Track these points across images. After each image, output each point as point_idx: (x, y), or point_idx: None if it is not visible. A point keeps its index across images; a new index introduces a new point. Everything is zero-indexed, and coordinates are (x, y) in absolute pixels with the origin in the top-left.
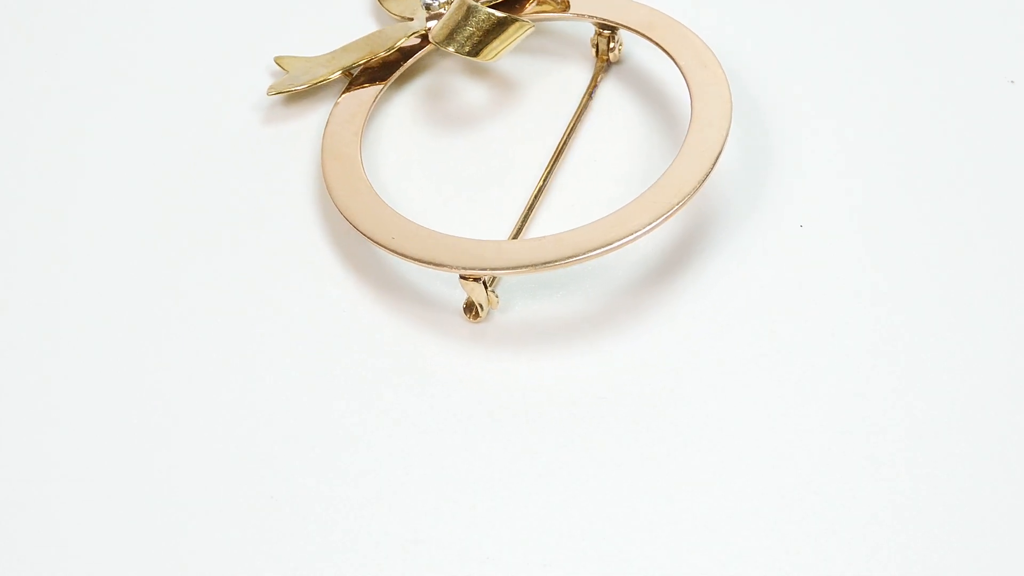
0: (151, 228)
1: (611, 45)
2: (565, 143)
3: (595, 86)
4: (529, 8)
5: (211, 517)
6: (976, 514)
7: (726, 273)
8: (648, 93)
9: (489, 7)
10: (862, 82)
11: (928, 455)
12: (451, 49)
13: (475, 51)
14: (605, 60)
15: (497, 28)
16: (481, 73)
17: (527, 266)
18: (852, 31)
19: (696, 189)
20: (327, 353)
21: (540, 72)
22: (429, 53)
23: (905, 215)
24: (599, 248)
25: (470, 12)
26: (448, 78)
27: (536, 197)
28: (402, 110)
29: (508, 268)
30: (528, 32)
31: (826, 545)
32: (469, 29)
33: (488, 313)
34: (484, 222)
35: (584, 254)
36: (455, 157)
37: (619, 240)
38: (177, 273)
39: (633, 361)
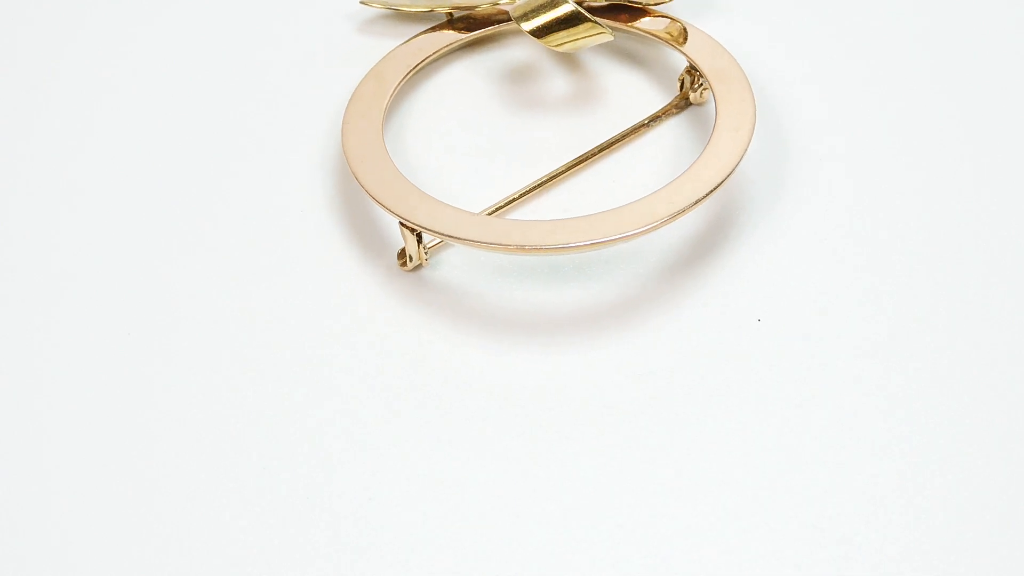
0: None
1: (695, 86)
2: (597, 153)
3: (660, 116)
4: (632, 23)
5: (192, 490)
6: (984, 517)
7: (735, 275)
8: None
9: (595, 7)
10: (882, 89)
11: (945, 460)
12: (522, 25)
13: (541, 34)
14: (684, 97)
15: (571, 21)
16: (559, 63)
17: (455, 238)
18: (872, 39)
19: (669, 218)
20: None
21: (619, 83)
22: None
23: (924, 220)
24: (551, 246)
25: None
26: (524, 58)
27: (536, 188)
28: (461, 72)
29: (440, 233)
30: (600, 38)
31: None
32: (546, 13)
33: (415, 267)
34: (473, 194)
35: (532, 247)
36: (482, 131)
37: (573, 244)
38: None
39: (640, 357)
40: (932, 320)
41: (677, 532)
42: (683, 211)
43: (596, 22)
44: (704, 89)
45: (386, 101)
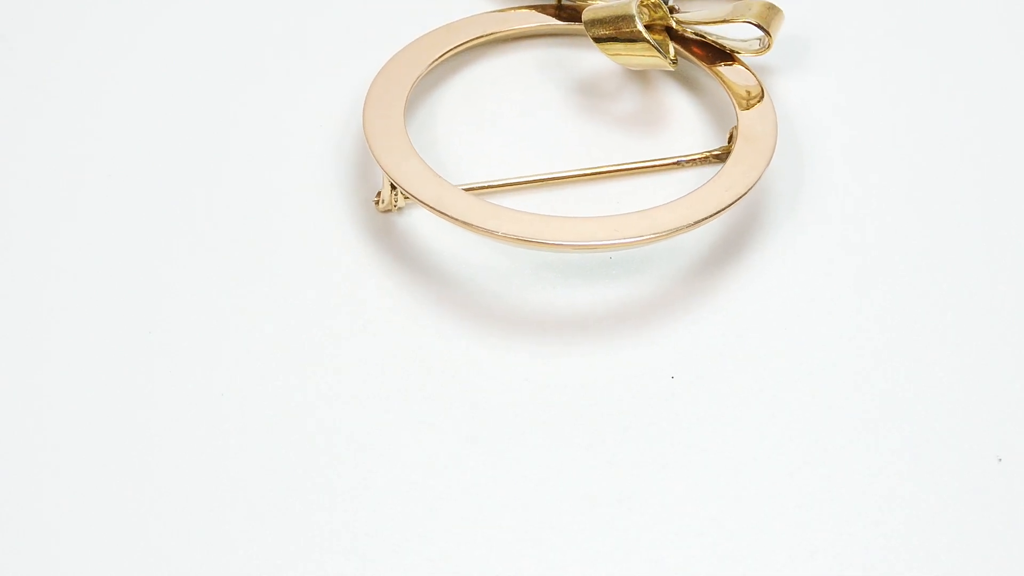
0: None
1: None
2: (613, 172)
3: (696, 161)
4: (711, 63)
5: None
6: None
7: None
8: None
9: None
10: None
11: (960, 477)
12: (588, 29)
13: (601, 40)
14: (728, 151)
15: (634, 41)
16: (628, 78)
17: (434, 210)
18: (899, 59)
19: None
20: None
21: (675, 110)
22: None
23: (946, 235)
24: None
25: (623, 16)
26: (597, 64)
27: (530, 183)
28: (527, 55)
29: (415, 198)
30: (659, 64)
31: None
32: (613, 25)
33: (385, 207)
34: (467, 170)
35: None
36: (512, 118)
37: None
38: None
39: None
40: (955, 340)
41: (692, 537)
42: (672, 232)
43: (655, 48)
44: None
45: (425, 67)
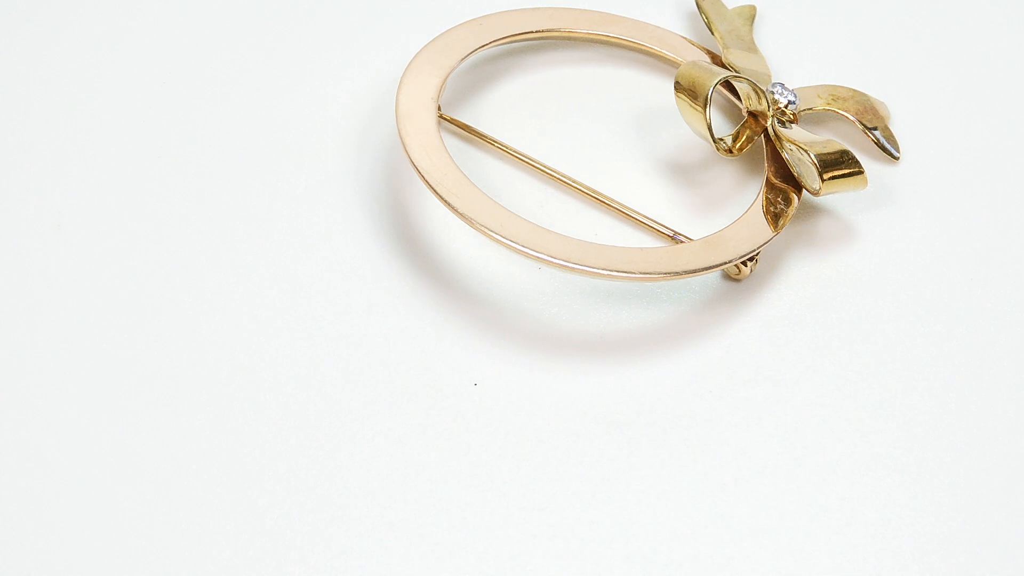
0: None
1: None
2: (604, 204)
3: (672, 237)
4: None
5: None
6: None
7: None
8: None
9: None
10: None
11: (984, 503)
12: (677, 75)
13: (678, 90)
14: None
15: (696, 110)
16: (675, 124)
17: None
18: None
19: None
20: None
21: (708, 180)
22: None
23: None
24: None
25: (700, 83)
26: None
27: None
28: (628, 71)
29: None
30: (707, 140)
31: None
32: (691, 81)
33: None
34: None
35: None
36: (552, 106)
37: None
38: None
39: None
40: (984, 365)
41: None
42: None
43: (708, 129)
44: (752, 266)
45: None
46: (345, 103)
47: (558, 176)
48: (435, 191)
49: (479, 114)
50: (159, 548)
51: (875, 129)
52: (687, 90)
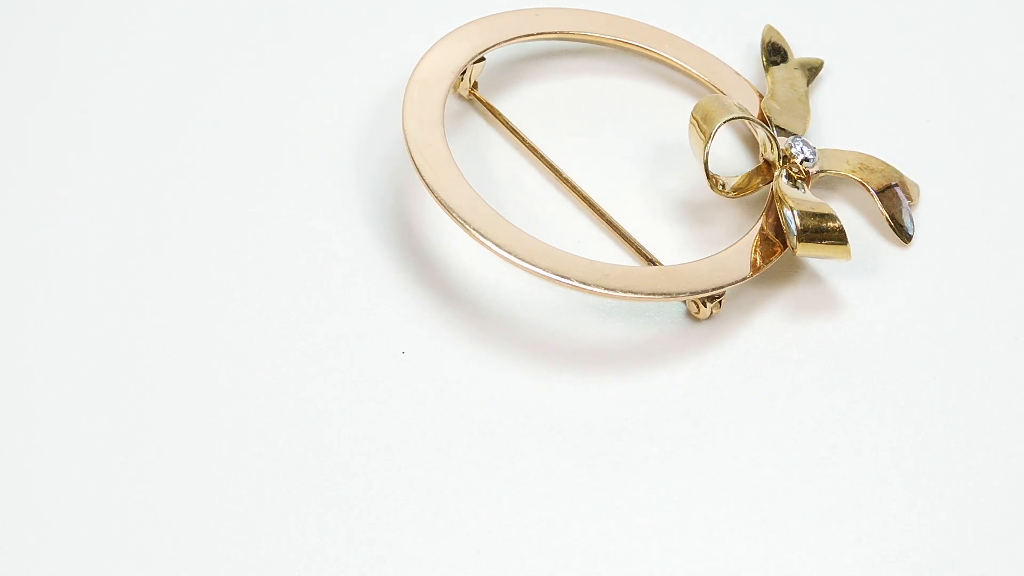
0: None
1: (709, 303)
2: (600, 216)
3: (649, 259)
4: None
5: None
6: None
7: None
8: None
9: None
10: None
11: (984, 516)
12: (697, 102)
13: (692, 118)
14: (701, 303)
15: (701, 140)
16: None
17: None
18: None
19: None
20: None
21: (710, 206)
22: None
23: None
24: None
25: (709, 117)
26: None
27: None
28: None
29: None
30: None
31: None
32: (704, 111)
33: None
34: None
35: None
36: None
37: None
38: None
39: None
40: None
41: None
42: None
43: (704, 165)
44: (716, 308)
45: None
46: (347, 103)
47: (564, 178)
48: (412, 159)
49: (513, 106)
50: (159, 548)
51: (896, 207)
52: (698, 122)
